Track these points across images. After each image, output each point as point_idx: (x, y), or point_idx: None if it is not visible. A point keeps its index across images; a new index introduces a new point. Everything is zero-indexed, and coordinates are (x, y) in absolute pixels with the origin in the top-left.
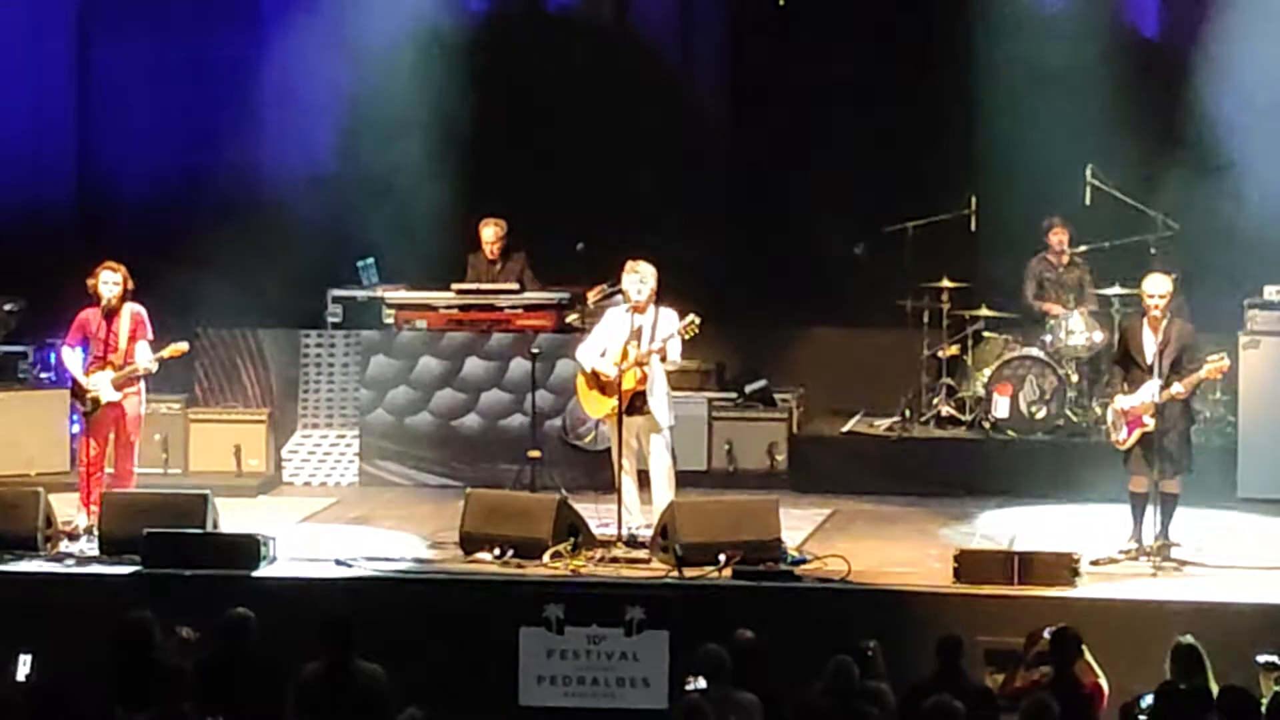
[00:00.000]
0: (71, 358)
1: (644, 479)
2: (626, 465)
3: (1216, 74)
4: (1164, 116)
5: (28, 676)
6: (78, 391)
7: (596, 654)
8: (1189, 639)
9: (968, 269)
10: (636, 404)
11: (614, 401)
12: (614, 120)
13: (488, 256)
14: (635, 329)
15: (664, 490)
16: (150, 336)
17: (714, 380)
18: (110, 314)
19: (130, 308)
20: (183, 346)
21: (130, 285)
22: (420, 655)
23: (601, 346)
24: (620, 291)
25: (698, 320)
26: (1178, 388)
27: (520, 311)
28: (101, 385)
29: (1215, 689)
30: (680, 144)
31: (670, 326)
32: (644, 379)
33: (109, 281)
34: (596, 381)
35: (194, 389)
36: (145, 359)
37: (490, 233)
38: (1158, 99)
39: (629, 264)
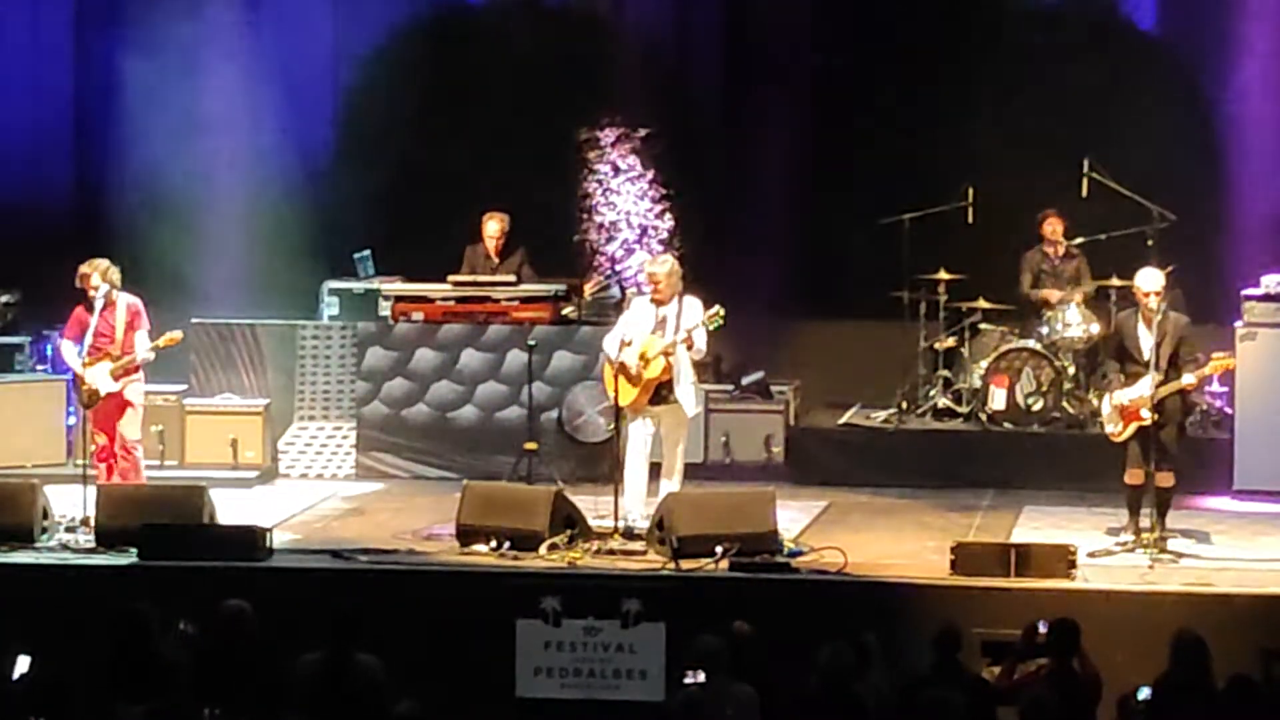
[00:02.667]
0: (68, 351)
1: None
2: (640, 455)
3: (1212, 65)
4: (1161, 108)
5: (24, 674)
6: (77, 385)
7: (593, 646)
8: (1191, 630)
9: (965, 261)
10: (662, 393)
11: (641, 388)
12: (610, 113)
13: (488, 251)
14: (660, 319)
15: (674, 480)
16: (147, 326)
17: (711, 372)
18: (103, 306)
19: (125, 299)
20: (177, 335)
21: (112, 276)
22: (417, 647)
23: (627, 336)
24: (617, 283)
25: (722, 311)
26: (1189, 378)
27: (517, 304)
28: (99, 377)
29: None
30: (676, 137)
31: (695, 316)
32: (669, 368)
33: (86, 280)
34: (625, 370)
35: (190, 381)
36: (143, 349)
37: (494, 227)
38: (1154, 91)
39: (644, 264)
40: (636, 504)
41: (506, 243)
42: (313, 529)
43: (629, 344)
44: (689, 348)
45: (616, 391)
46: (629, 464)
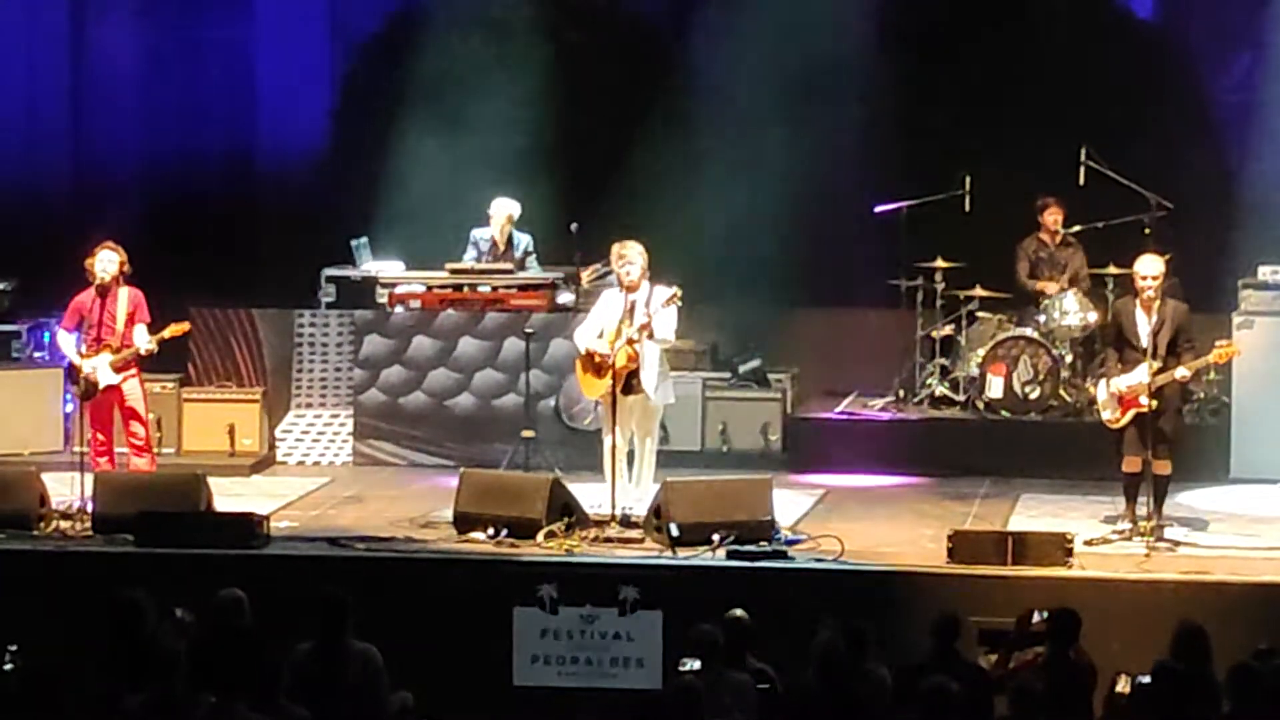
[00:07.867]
0: (66, 341)
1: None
2: (619, 445)
3: (1210, 52)
4: (1158, 96)
5: (15, 662)
6: (74, 376)
7: (590, 634)
8: (1193, 620)
9: (962, 249)
10: (630, 383)
11: (608, 382)
12: (608, 100)
13: (495, 237)
14: (628, 307)
15: (646, 474)
16: (148, 320)
17: (708, 360)
18: (105, 294)
19: (128, 291)
20: (184, 325)
21: (128, 268)
22: (414, 635)
23: (598, 328)
24: (613, 272)
25: (679, 292)
26: (1183, 371)
27: (514, 291)
28: (100, 368)
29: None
30: (675, 124)
31: (657, 303)
32: (635, 357)
33: (106, 260)
34: (592, 363)
35: (187, 368)
36: (143, 341)
37: (504, 213)
38: (1152, 79)
39: (614, 247)
40: (621, 493)
41: (512, 236)
42: (310, 517)
43: (600, 335)
44: (649, 336)
45: (586, 384)
46: (609, 460)
